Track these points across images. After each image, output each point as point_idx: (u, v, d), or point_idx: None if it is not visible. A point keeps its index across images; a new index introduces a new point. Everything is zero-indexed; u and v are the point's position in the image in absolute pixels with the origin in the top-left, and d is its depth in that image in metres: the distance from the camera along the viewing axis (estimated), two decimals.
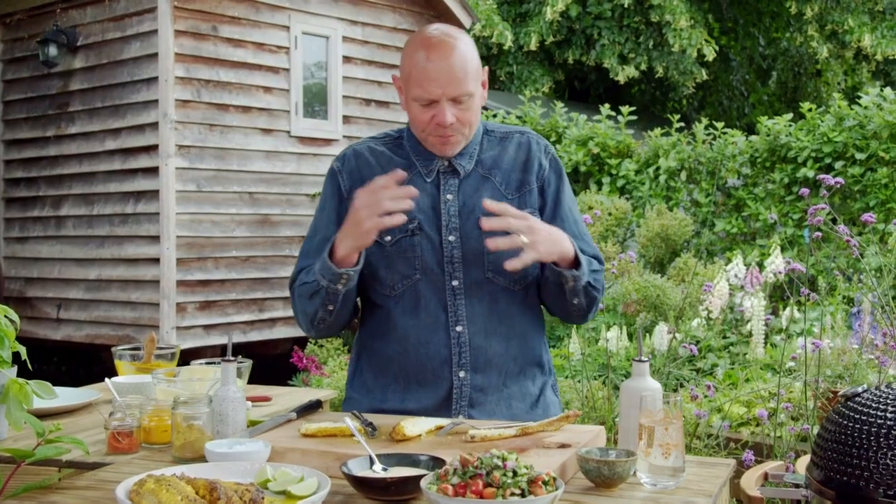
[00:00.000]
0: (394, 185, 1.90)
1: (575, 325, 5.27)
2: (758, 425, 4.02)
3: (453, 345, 2.03)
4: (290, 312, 7.30)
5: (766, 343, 5.08)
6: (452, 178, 2.08)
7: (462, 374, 2.03)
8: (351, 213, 1.92)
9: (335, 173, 2.15)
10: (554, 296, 2.05)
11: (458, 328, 2.03)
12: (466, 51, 1.99)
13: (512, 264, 1.89)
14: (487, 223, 1.89)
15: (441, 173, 2.08)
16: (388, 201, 1.87)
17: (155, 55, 6.93)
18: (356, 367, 2.17)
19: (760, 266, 5.83)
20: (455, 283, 2.04)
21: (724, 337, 5.43)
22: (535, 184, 2.10)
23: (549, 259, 1.95)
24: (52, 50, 7.39)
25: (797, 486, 1.82)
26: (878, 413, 1.59)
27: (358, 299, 2.13)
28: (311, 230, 2.15)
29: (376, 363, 2.11)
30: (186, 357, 2.50)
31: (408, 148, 2.11)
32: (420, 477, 1.45)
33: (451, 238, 2.04)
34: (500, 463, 1.40)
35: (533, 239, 1.88)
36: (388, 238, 2.03)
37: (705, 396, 3.74)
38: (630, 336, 5.32)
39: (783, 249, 6.55)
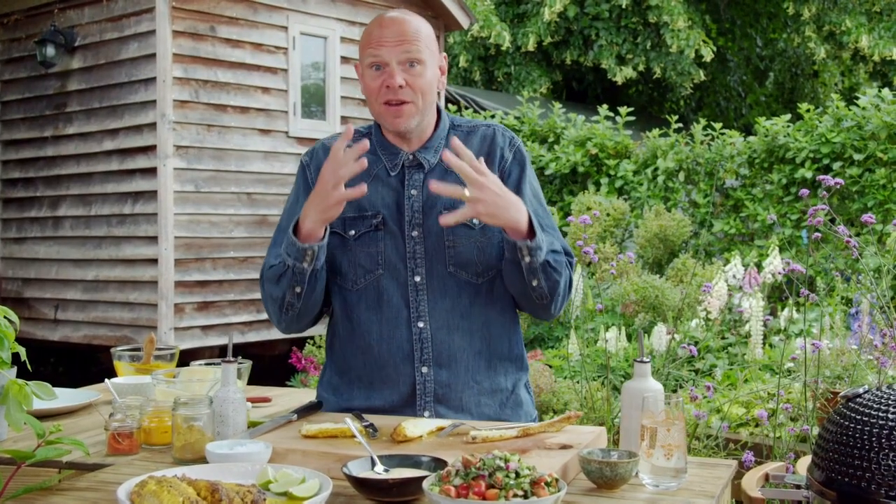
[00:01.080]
0: (353, 150, 1.89)
1: (574, 326, 5.26)
2: (757, 426, 4.01)
3: (415, 340, 2.03)
4: None
5: (764, 344, 5.08)
6: (417, 172, 2.08)
7: (425, 369, 2.03)
8: (318, 183, 1.91)
9: (304, 167, 2.16)
10: (513, 277, 2.00)
11: (420, 324, 2.03)
12: (420, 25, 2.03)
13: (445, 218, 1.88)
14: (448, 157, 1.86)
15: (406, 167, 2.09)
16: (350, 164, 1.87)
17: (153, 56, 6.92)
18: (326, 367, 2.18)
19: (759, 267, 5.84)
20: (417, 278, 2.03)
21: (723, 338, 5.43)
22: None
23: (490, 222, 1.91)
24: (50, 50, 7.38)
25: (798, 487, 1.82)
26: (880, 414, 1.59)
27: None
28: (281, 224, 2.15)
29: (342, 362, 2.12)
30: (184, 358, 2.49)
31: (375, 142, 2.12)
32: (422, 478, 1.45)
33: (414, 233, 2.04)
34: (502, 464, 1.39)
35: (478, 195, 1.84)
36: (352, 232, 2.04)
37: (704, 397, 3.74)
38: (629, 337, 5.31)
39: (781, 250, 6.55)
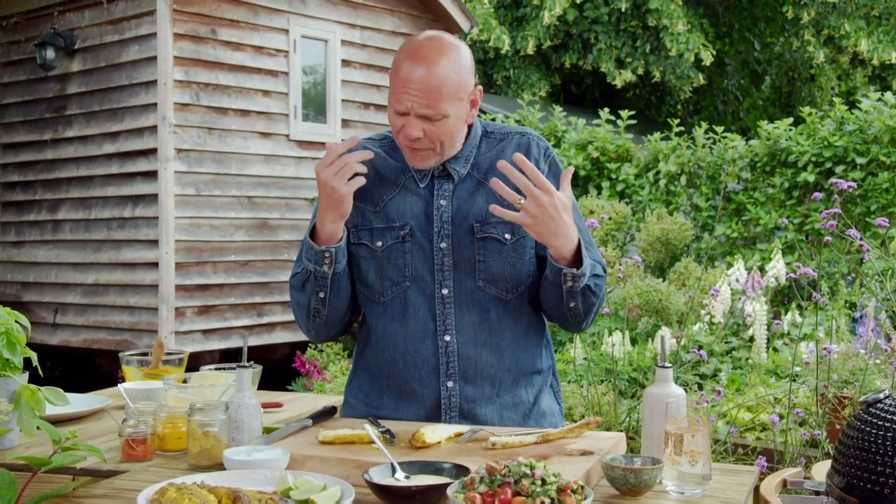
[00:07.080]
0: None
1: None
2: (763, 430, 4.00)
3: (441, 354, 1.99)
4: (290, 317, 7.28)
5: (767, 348, 5.06)
6: (447, 182, 2.03)
7: (450, 383, 1.99)
8: (321, 187, 1.90)
9: None
10: (551, 297, 1.98)
11: (447, 337, 1.99)
12: (450, 69, 1.90)
13: (496, 208, 1.85)
14: (506, 167, 1.83)
15: (435, 178, 2.04)
16: (354, 163, 1.89)
17: (153, 58, 6.90)
18: (354, 373, 2.15)
19: (761, 270, 5.82)
20: (445, 291, 1.99)
21: (726, 342, 5.41)
22: None
23: (536, 239, 1.88)
24: (50, 53, 7.36)
25: (818, 493, 1.80)
26: None
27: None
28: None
29: (371, 370, 2.09)
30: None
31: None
32: (446, 485, 1.42)
33: (442, 245, 2.00)
34: (528, 471, 1.37)
35: (531, 210, 1.81)
36: (380, 244, 2.01)
37: (713, 402, 3.72)
38: (633, 341, 5.30)
39: (784, 254, 6.54)
